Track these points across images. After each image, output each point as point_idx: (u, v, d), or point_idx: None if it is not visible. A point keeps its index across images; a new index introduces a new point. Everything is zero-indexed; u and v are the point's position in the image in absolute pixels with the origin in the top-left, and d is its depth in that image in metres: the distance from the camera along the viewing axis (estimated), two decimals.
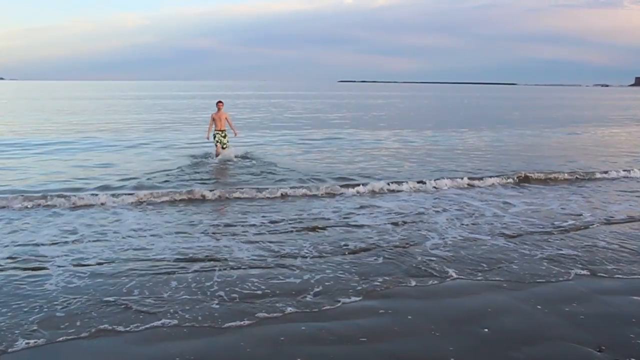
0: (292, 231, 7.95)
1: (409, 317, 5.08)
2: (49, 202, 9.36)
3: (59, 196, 9.66)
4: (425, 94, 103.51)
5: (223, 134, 14.79)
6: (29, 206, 9.20)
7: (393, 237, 7.68)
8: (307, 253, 6.90)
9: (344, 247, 7.16)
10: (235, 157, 14.81)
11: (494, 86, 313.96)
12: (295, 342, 4.58)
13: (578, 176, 12.90)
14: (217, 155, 14.70)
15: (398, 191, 11.00)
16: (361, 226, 8.25)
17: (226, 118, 14.82)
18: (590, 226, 8.39)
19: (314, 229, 8.08)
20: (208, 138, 14.84)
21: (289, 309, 5.22)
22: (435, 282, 6.01)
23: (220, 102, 15.20)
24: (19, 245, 7.07)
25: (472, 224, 8.46)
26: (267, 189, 10.70)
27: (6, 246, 7.03)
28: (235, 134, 15.12)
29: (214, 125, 14.71)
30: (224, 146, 14.79)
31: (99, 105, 45.67)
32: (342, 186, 11.14)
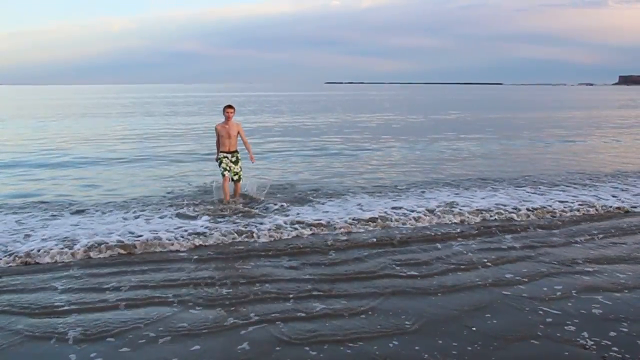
0: None
1: (397, 317, 5.10)
2: None
3: None
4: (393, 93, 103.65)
5: (234, 158, 9.64)
6: None
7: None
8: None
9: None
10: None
11: (480, 86, 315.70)
12: (284, 343, 4.59)
13: None
14: (225, 193, 9.58)
15: None
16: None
17: (238, 133, 9.58)
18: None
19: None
20: (218, 160, 9.76)
21: (278, 311, 5.23)
22: (424, 280, 6.07)
23: (229, 106, 9.54)
24: None
25: None
26: None
27: None
28: (252, 160, 9.88)
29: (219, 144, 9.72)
30: (236, 176, 9.73)
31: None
32: None
